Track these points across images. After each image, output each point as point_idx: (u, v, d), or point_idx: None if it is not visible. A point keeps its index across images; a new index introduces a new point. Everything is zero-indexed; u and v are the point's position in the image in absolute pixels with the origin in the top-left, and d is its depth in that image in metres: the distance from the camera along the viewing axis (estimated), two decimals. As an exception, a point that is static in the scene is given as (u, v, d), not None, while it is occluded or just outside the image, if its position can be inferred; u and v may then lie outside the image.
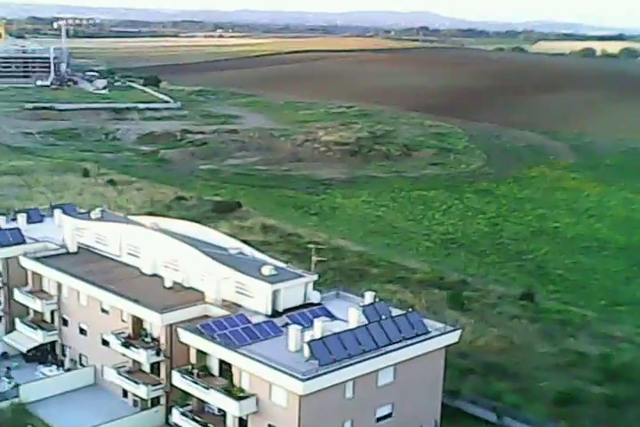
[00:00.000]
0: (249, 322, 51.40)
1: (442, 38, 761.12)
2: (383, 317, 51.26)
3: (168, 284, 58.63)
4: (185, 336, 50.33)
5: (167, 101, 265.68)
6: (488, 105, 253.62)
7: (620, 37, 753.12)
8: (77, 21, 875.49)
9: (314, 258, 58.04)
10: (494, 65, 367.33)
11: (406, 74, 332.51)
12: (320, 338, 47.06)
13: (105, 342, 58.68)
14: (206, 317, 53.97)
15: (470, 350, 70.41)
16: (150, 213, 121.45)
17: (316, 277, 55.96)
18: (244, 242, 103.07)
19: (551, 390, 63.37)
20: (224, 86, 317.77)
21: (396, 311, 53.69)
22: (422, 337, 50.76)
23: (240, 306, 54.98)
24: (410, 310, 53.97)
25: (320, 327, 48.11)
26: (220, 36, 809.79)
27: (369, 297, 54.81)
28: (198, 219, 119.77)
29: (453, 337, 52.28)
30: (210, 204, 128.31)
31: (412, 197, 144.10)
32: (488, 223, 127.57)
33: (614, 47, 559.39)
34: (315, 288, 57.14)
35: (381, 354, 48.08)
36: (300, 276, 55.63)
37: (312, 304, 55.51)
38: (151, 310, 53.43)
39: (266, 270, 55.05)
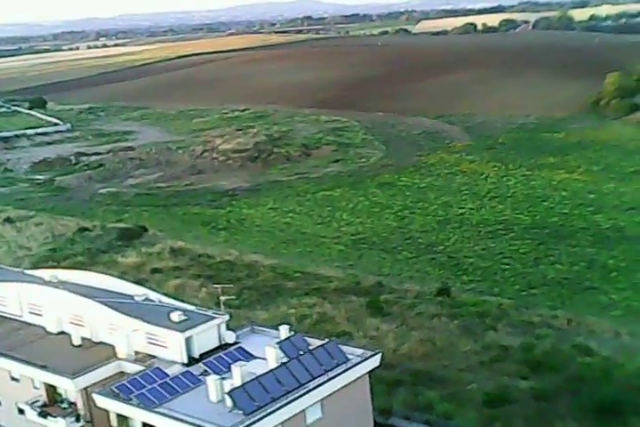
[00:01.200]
0: (166, 375, 49.88)
1: (327, 26, 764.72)
2: (301, 352, 50.61)
3: (76, 341, 56.34)
4: (101, 401, 48.44)
5: (57, 124, 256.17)
6: (379, 94, 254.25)
7: (498, 9, 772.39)
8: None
9: (222, 298, 56.76)
10: (379, 51, 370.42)
11: (295, 69, 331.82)
12: (240, 386, 46.00)
13: (22, 411, 56.03)
14: (122, 373, 52.18)
15: (395, 359, 70.12)
16: (53, 250, 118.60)
17: (227, 317, 54.72)
18: (155, 270, 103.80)
19: (479, 391, 63.50)
20: (113, 101, 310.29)
21: (313, 342, 53.10)
22: (344, 367, 50.30)
23: (154, 357, 53.40)
24: (327, 340, 53.36)
25: (239, 374, 47.03)
26: (105, 46, 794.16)
27: (284, 331, 53.97)
28: (104, 249, 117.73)
29: (374, 362, 51.89)
30: (115, 231, 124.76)
31: (318, 198, 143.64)
32: (396, 218, 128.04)
33: (494, 20, 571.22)
34: (229, 326, 55.96)
35: (306, 392, 47.34)
36: (212, 318, 54.31)
37: (228, 344, 54.39)
38: (62, 375, 51.17)
39: (175, 317, 53.53)
